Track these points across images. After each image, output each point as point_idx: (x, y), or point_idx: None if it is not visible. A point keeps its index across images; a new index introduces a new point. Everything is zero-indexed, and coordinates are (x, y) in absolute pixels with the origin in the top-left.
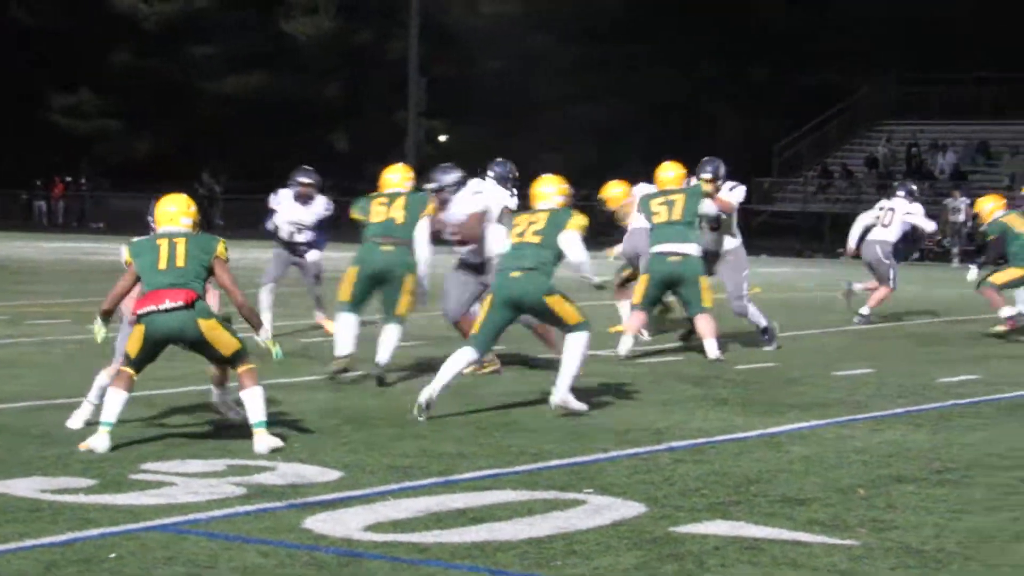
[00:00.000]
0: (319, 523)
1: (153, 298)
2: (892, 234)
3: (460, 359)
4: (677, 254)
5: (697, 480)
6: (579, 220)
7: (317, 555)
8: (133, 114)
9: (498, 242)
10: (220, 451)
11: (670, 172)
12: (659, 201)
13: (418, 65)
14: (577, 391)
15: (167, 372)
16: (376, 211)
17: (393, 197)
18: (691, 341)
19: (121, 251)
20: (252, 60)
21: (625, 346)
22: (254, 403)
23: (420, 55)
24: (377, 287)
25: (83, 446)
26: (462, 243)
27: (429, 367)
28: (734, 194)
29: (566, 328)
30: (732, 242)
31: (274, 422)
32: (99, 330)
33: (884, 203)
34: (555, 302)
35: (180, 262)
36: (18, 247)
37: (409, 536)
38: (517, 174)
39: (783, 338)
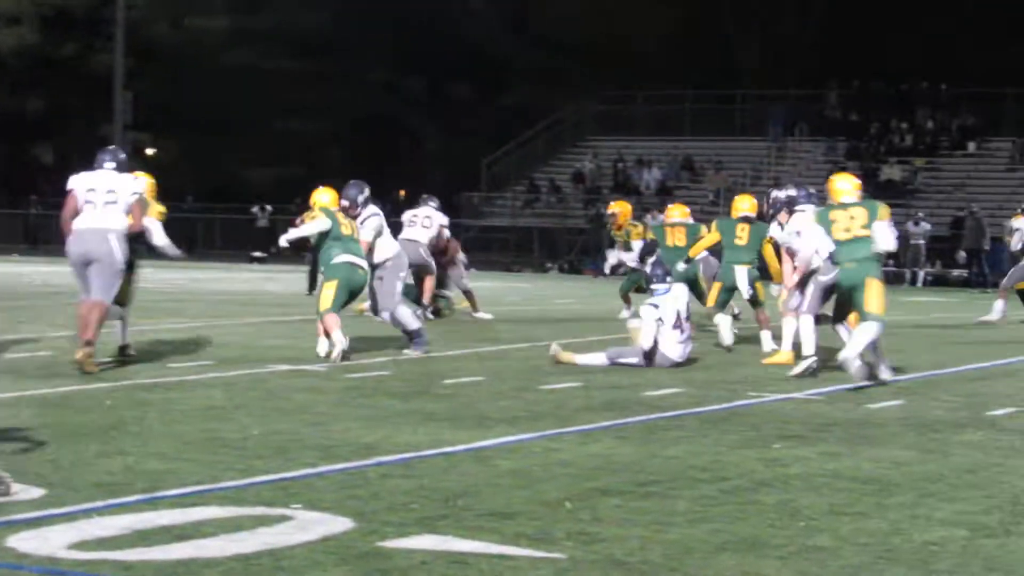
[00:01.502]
0: (22, 541)
1: None
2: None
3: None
4: None
5: (405, 495)
6: (887, 211)
7: (20, 574)
8: None
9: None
10: None
11: None
12: None
13: (123, 79)
14: (278, 410)
15: None
16: None
17: None
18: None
19: None
20: None
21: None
22: None
23: (125, 69)
24: None
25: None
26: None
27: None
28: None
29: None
30: (391, 249)
31: None
32: None
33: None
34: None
35: None
36: None
37: (114, 554)
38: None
39: (492, 352)
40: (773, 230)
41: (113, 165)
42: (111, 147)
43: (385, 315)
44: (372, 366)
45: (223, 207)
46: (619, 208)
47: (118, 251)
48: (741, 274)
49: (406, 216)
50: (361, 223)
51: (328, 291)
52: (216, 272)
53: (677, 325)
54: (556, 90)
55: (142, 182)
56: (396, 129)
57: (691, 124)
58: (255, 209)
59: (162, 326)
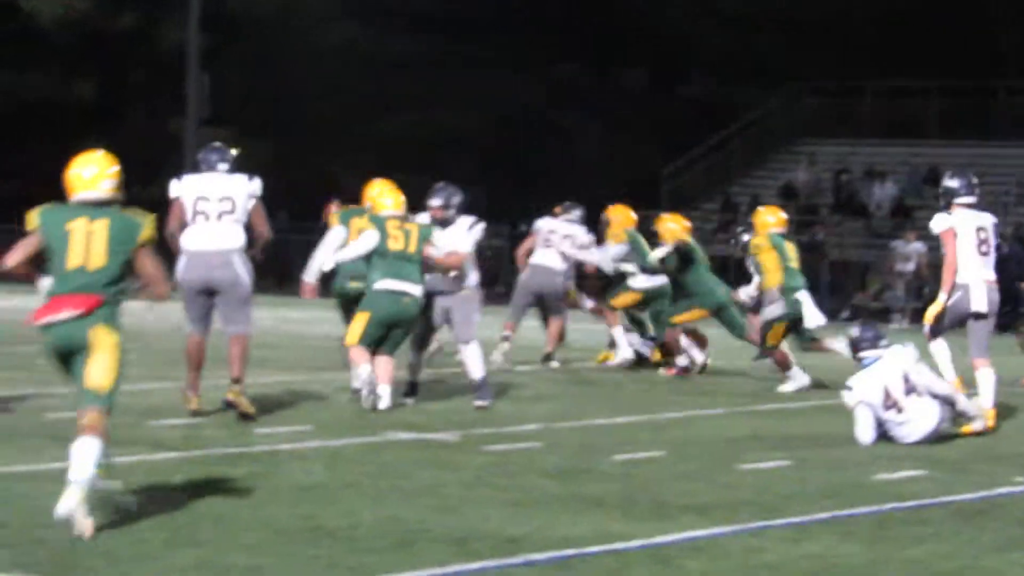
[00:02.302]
0: None
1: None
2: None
3: None
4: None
5: None
6: None
7: None
8: None
9: None
10: None
11: None
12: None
13: (198, 59)
14: (397, 490)
15: None
16: None
17: None
18: None
19: None
20: None
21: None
22: (84, 456)
23: (201, 47)
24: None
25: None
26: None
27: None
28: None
29: None
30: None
31: (7, 522)
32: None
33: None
34: None
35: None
36: None
37: None
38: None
39: (672, 420)
40: None
41: (226, 167)
42: (217, 144)
43: (462, 347)
44: (517, 435)
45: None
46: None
47: (244, 273)
48: None
49: (542, 231)
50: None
51: (358, 323)
52: (315, 310)
53: (891, 404)
54: (756, 79)
55: (258, 183)
56: (545, 129)
57: (937, 125)
58: None
59: (247, 380)
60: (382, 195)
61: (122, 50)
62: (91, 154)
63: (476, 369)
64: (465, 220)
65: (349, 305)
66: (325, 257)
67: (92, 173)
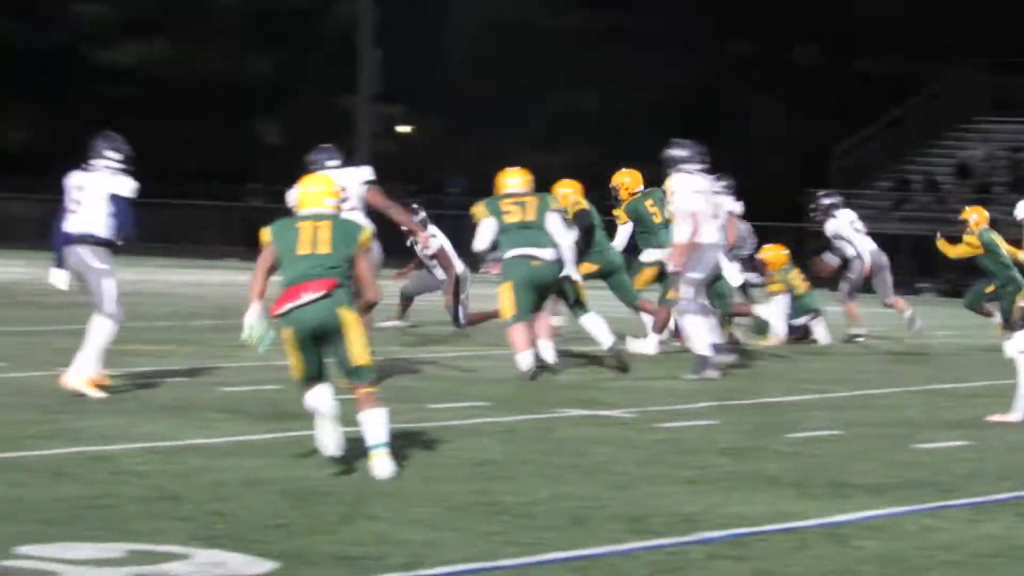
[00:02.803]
0: None
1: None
2: None
3: None
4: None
5: None
6: None
7: None
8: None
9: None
10: (118, 531)
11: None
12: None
13: (372, 37)
14: (573, 467)
15: (50, 428)
16: None
17: None
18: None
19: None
20: (157, 24)
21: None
22: (377, 424)
23: (374, 24)
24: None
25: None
26: None
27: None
28: None
29: None
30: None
31: (183, 495)
32: (257, 332)
33: None
34: None
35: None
36: None
37: None
38: None
39: (848, 398)
40: None
41: (337, 163)
42: (325, 146)
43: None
44: (692, 412)
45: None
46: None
47: (376, 251)
48: None
49: None
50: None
51: (505, 295)
52: (489, 287)
53: None
54: (933, 55)
55: (367, 169)
56: (719, 106)
57: None
58: None
59: (420, 355)
60: (505, 177)
61: (296, 27)
62: (317, 175)
63: (700, 345)
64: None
65: None
66: (475, 245)
67: (318, 191)
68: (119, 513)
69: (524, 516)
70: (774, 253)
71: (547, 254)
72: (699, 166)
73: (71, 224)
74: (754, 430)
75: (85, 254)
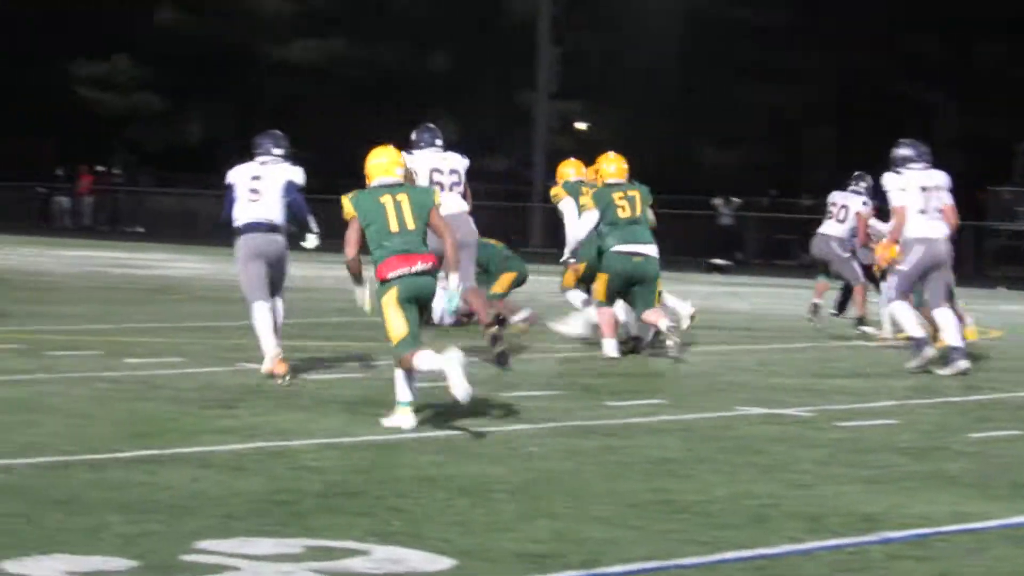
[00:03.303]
0: None
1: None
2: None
3: None
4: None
5: None
6: None
7: None
8: (179, 88)
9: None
10: (296, 526)
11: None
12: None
13: (550, 31)
14: (752, 466)
15: (229, 423)
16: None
17: None
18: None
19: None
20: (332, 20)
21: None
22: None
23: (552, 18)
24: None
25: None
26: None
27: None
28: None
29: None
30: None
31: (362, 491)
32: (366, 298)
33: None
34: None
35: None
36: (33, 256)
37: None
38: None
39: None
40: None
41: (442, 143)
42: (431, 126)
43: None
44: (872, 412)
45: (674, 199)
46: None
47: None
48: None
49: (829, 203)
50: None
51: (600, 283)
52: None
53: None
54: None
55: (466, 161)
56: (901, 103)
57: None
58: (717, 201)
59: (588, 353)
60: (607, 163)
61: (474, 22)
62: (384, 147)
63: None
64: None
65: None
66: (575, 234)
67: (388, 161)
68: (298, 508)
69: (702, 514)
70: None
71: (650, 250)
72: (923, 164)
73: (251, 213)
74: (934, 429)
75: (281, 240)
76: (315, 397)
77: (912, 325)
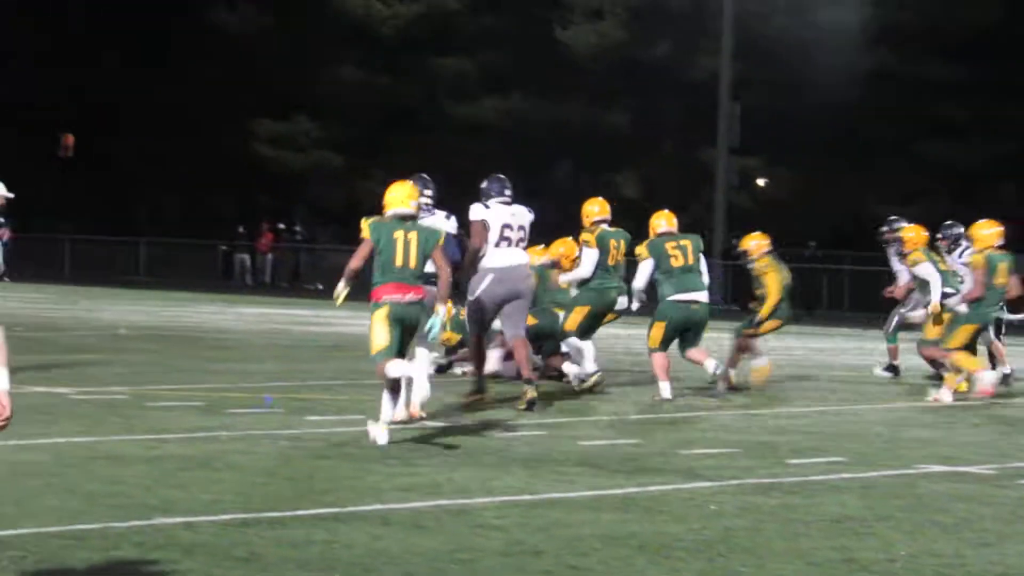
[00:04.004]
0: None
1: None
2: None
3: None
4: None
5: None
6: None
7: None
8: (361, 145)
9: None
10: None
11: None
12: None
13: (729, 90)
14: (934, 524)
15: (410, 480)
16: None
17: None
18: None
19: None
20: (514, 77)
21: None
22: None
23: (732, 76)
24: None
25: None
26: None
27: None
28: None
29: None
30: None
31: (543, 549)
32: (343, 294)
33: None
34: None
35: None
36: (214, 313)
37: None
38: None
39: None
40: None
41: (511, 194)
42: (500, 176)
43: None
44: None
45: (853, 255)
46: None
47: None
48: None
49: None
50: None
51: (657, 330)
52: (845, 340)
53: None
54: None
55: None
56: None
57: None
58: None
59: (775, 410)
60: (657, 217)
61: (655, 79)
62: (401, 182)
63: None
64: None
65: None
66: (635, 284)
67: (404, 195)
68: (479, 567)
69: (884, 573)
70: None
71: (704, 296)
72: None
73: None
74: None
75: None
76: (496, 455)
77: None
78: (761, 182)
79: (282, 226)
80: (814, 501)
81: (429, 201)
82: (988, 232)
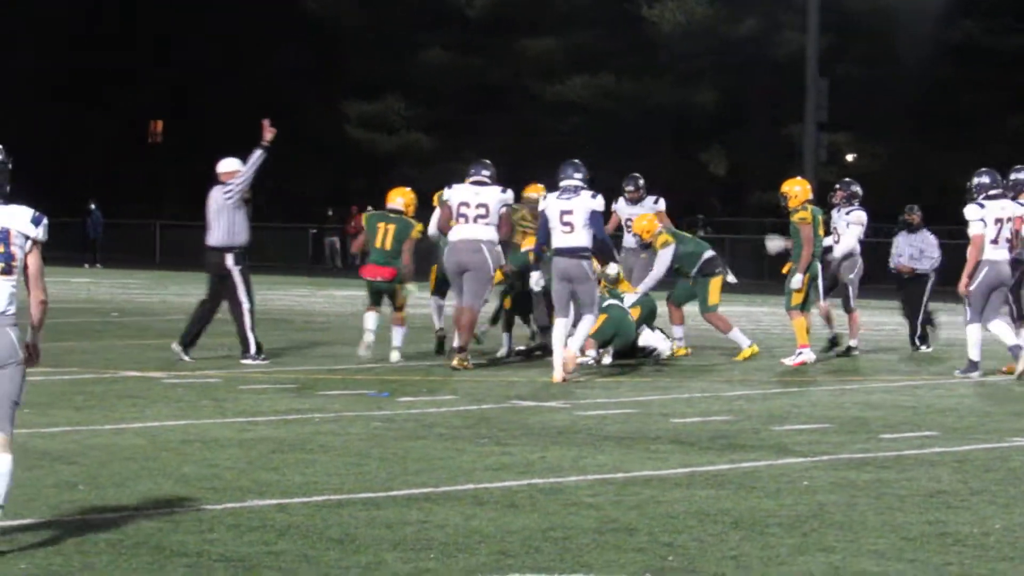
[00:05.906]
0: None
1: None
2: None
3: None
4: None
5: None
6: None
7: None
8: (449, 126)
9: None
10: (571, 563)
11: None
12: None
13: (818, 65)
14: None
15: (502, 460)
16: None
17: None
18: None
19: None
20: (602, 56)
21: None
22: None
23: (820, 50)
24: None
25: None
26: None
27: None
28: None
29: None
30: None
31: (636, 527)
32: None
33: None
34: None
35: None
36: (305, 296)
37: None
38: None
39: None
40: None
41: (488, 174)
42: (485, 161)
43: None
44: None
45: (943, 230)
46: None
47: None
48: None
49: None
50: None
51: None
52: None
53: None
54: None
55: (510, 194)
56: None
57: None
58: None
59: (867, 384)
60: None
61: (743, 56)
62: (399, 188)
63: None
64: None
65: None
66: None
67: (393, 193)
68: (573, 545)
69: (979, 547)
70: None
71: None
72: None
73: (565, 240)
74: None
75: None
76: (588, 433)
77: None
78: (850, 157)
79: (371, 208)
80: (907, 475)
81: (581, 184)
82: None
